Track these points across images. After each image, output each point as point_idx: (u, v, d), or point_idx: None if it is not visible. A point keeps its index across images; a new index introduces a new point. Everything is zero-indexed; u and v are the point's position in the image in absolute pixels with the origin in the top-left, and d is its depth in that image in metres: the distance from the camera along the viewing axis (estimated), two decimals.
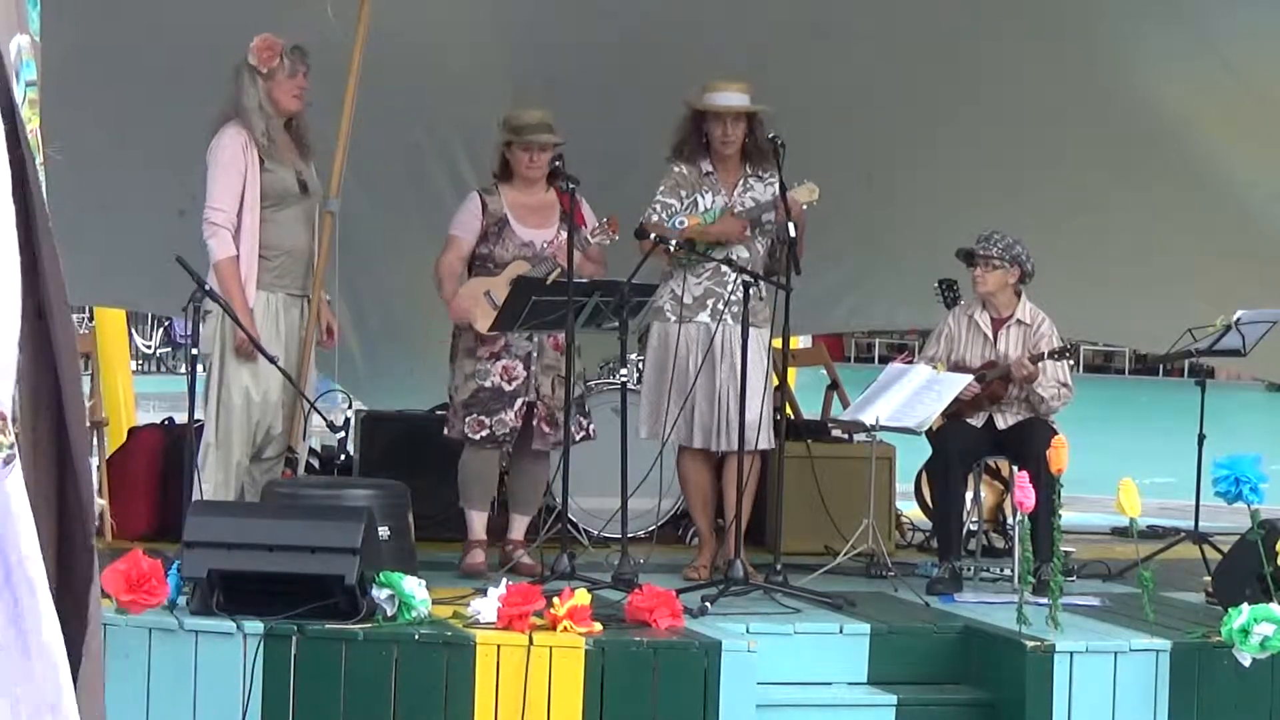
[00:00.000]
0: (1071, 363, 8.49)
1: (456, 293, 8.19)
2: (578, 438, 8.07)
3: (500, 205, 8.22)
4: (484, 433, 8.12)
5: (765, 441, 8.21)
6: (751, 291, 7.81)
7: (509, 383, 8.13)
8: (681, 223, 8.17)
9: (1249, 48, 9.21)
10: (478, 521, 8.23)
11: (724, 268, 8.01)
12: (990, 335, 8.41)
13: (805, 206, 8.15)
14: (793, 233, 7.89)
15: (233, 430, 7.74)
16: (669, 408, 8.13)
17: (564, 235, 8.08)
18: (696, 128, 8.28)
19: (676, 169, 8.26)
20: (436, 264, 8.29)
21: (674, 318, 8.17)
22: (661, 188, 8.25)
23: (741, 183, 8.31)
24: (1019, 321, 8.41)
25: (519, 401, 8.15)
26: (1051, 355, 8.25)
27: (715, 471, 8.39)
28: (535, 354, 8.18)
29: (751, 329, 7.83)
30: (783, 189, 7.99)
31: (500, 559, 8.28)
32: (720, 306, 8.11)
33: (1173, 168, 10.04)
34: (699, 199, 8.21)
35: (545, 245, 8.15)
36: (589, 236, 8.07)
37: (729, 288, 8.06)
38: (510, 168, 8.28)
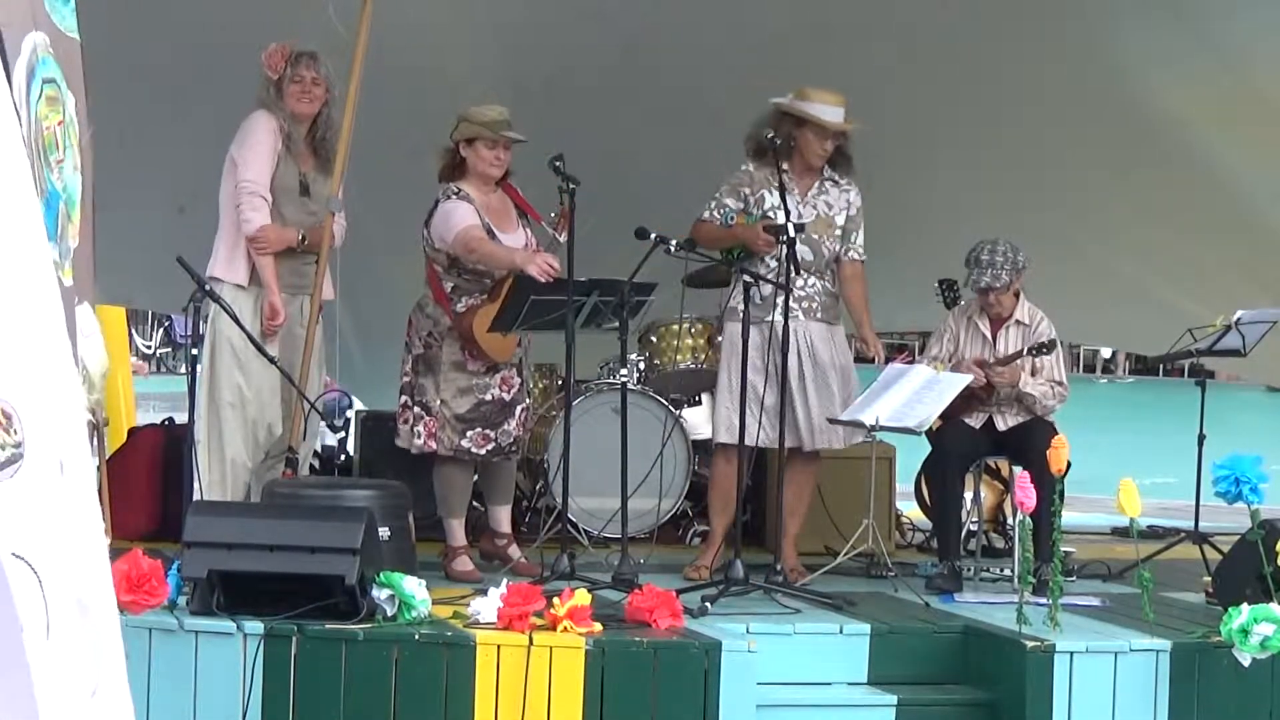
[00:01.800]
0: (1073, 353, 8.42)
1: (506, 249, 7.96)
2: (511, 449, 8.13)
3: (481, 212, 8.10)
4: (490, 446, 8.08)
5: (834, 440, 8.31)
6: (821, 286, 8.10)
7: (508, 392, 8.11)
8: (731, 217, 8.19)
9: (1249, 48, 9.21)
10: (459, 529, 8.21)
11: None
12: (989, 336, 8.41)
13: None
14: (792, 233, 7.90)
15: (225, 427, 7.75)
16: (746, 408, 8.12)
17: (532, 235, 8.07)
18: (788, 132, 8.19)
19: (747, 168, 8.23)
20: (472, 255, 7.92)
21: (740, 318, 8.16)
22: (724, 187, 8.25)
23: (817, 185, 8.32)
24: (1018, 322, 8.41)
25: (518, 409, 8.14)
26: (1032, 351, 8.24)
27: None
28: (525, 358, 8.18)
29: (825, 324, 8.11)
30: (782, 188, 7.99)
31: (493, 552, 8.28)
32: (790, 303, 8.06)
33: (1173, 168, 10.04)
34: (766, 195, 8.15)
35: (523, 249, 8.07)
36: (555, 234, 7.94)
37: (798, 283, 8.06)
38: (462, 167, 8.11)
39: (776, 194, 8.04)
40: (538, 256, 7.83)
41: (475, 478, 8.46)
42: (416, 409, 8.08)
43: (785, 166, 8.15)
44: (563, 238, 7.83)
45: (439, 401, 8.04)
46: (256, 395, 7.77)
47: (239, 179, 7.78)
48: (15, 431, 3.27)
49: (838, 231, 8.32)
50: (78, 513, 3.46)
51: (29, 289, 3.39)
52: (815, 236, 8.24)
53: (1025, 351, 8.24)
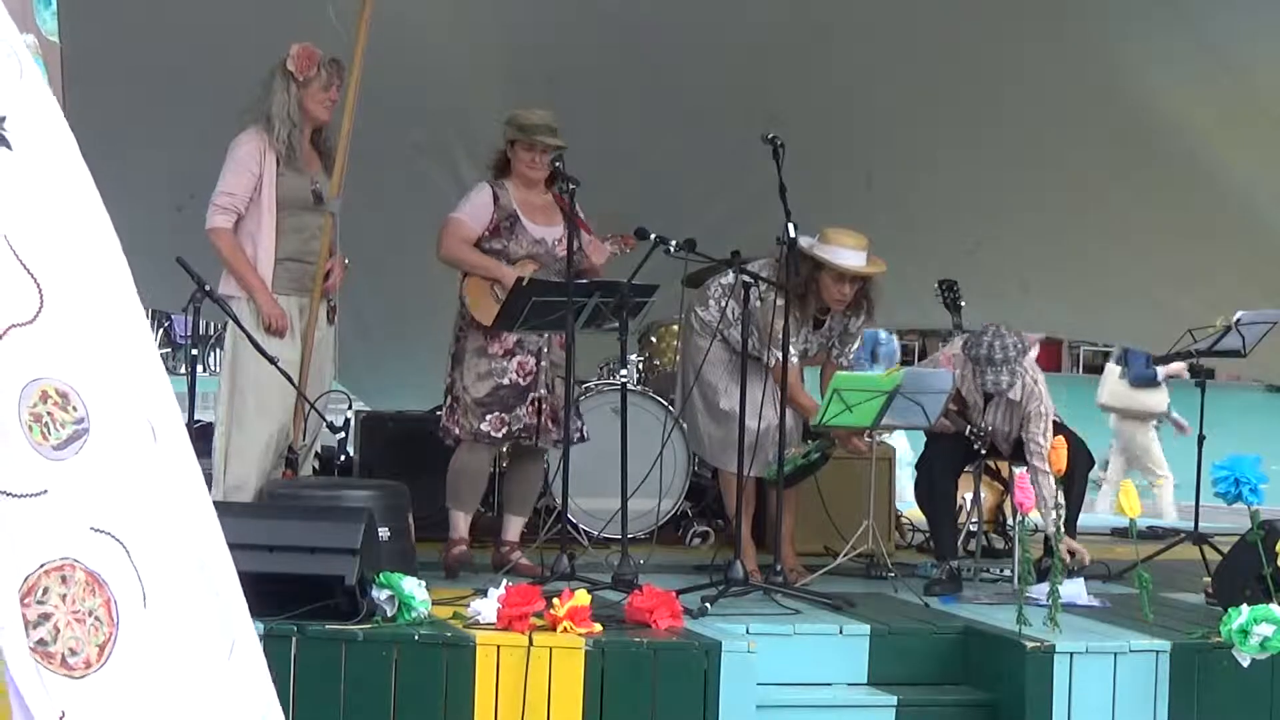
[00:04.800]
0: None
1: (483, 256, 8.10)
2: (574, 439, 8.06)
3: (510, 200, 8.18)
4: (504, 430, 8.09)
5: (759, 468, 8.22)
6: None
7: (524, 378, 8.12)
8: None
9: (1249, 49, 9.21)
10: (463, 523, 8.20)
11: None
12: (982, 405, 8.28)
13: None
14: (792, 233, 7.89)
15: (246, 436, 7.68)
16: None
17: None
18: (810, 273, 8.10)
19: (772, 302, 7.97)
20: (442, 249, 8.13)
21: (727, 338, 8.16)
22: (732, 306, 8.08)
23: (828, 320, 8.31)
24: (1009, 400, 8.24)
25: (531, 396, 8.14)
26: (975, 441, 8.21)
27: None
28: (545, 349, 8.18)
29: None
30: (782, 188, 7.97)
31: (496, 560, 8.26)
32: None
33: (1173, 169, 10.04)
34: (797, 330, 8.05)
35: (556, 242, 8.11)
36: (615, 250, 8.11)
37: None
38: (510, 166, 8.26)
39: (796, 324, 8.00)
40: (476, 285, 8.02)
41: (496, 468, 8.46)
42: (451, 401, 8.18)
43: (804, 305, 8.11)
44: (619, 251, 8.09)
45: (463, 388, 8.11)
46: (280, 404, 7.71)
47: (216, 189, 7.75)
48: (75, 409, 3.33)
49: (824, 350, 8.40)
50: (178, 476, 3.51)
51: (92, 273, 3.44)
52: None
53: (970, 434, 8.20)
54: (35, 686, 3.24)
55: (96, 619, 3.32)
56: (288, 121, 7.72)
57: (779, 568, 7.65)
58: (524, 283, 7.75)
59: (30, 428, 3.28)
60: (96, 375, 3.39)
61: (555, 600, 6.53)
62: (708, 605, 7.10)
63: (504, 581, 6.80)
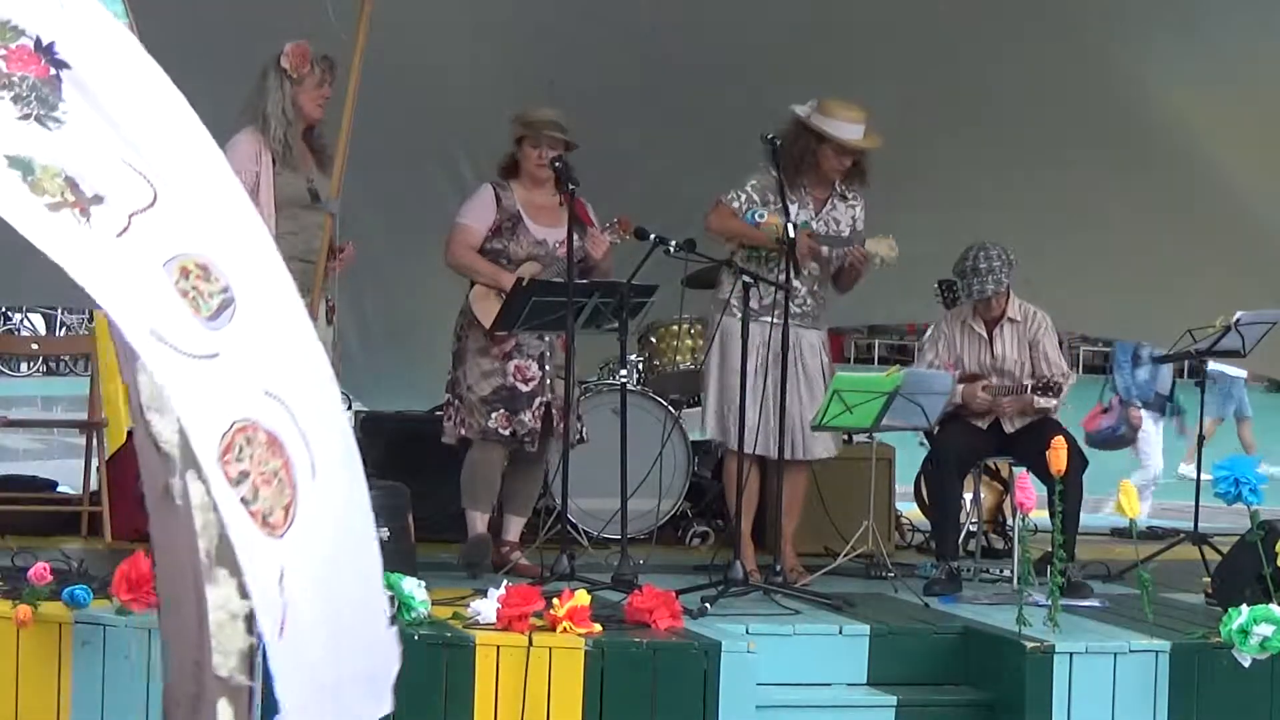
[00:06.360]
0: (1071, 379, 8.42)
1: (490, 264, 8.15)
2: (573, 441, 8.07)
3: (513, 201, 8.21)
4: (509, 430, 8.11)
5: (826, 449, 8.29)
6: (807, 291, 8.06)
7: (525, 384, 8.12)
8: (761, 215, 8.08)
9: (1250, 50, 9.21)
10: (480, 523, 8.21)
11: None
12: (986, 336, 8.41)
13: (880, 261, 8.15)
14: (792, 233, 7.89)
15: None
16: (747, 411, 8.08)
17: (579, 240, 8.09)
18: (807, 145, 8.16)
19: (772, 173, 8.01)
20: (450, 255, 8.23)
21: (739, 314, 8.11)
22: (754, 181, 8.15)
23: (829, 201, 8.32)
24: (1010, 320, 8.41)
25: (537, 402, 8.14)
26: (1036, 390, 8.23)
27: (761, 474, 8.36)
28: (548, 353, 8.17)
29: (815, 331, 8.14)
30: (782, 188, 7.98)
31: (496, 560, 8.26)
32: (794, 307, 8.04)
33: (1174, 169, 10.04)
34: (787, 205, 8.04)
35: (558, 244, 8.12)
36: (613, 238, 8.12)
37: (802, 289, 8.09)
38: (518, 166, 8.26)
39: (794, 208, 8.01)
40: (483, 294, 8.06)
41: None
42: (454, 401, 8.20)
43: (804, 183, 8.17)
44: (619, 238, 8.11)
45: (466, 387, 8.13)
46: None
47: None
48: (217, 279, 3.27)
49: (834, 260, 8.37)
50: (318, 354, 3.45)
51: (191, 159, 3.41)
52: (824, 252, 8.27)
53: (1030, 390, 8.21)
54: (252, 543, 3.13)
55: (280, 480, 3.22)
56: (283, 120, 7.70)
57: (779, 568, 7.66)
58: (524, 283, 7.76)
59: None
60: (227, 247, 3.33)
61: (555, 600, 6.53)
62: (707, 605, 7.11)
63: (504, 582, 6.80)
